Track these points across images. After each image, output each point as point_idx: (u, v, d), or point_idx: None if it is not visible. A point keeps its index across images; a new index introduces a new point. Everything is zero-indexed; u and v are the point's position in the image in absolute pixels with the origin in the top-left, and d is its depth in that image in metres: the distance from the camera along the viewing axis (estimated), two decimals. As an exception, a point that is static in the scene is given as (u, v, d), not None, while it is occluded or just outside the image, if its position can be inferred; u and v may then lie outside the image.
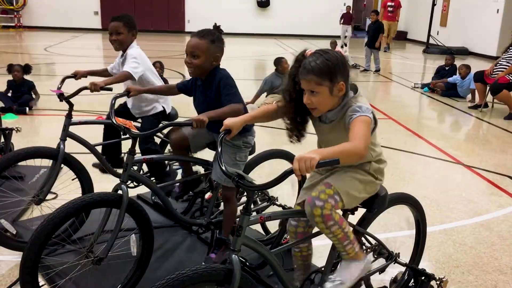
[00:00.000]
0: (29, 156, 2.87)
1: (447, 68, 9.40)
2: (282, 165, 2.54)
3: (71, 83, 3.37)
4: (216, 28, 2.63)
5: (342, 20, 16.80)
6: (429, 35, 15.86)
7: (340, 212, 2.01)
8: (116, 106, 2.78)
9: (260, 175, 3.29)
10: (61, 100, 2.99)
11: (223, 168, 1.75)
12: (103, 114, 5.86)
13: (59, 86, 3.13)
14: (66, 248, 2.84)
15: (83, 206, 2.25)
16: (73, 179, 3.08)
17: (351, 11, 17.16)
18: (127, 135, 2.44)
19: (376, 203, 2.08)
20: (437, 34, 16.66)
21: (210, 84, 2.57)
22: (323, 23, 19.63)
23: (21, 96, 6.40)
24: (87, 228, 2.95)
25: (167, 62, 11.96)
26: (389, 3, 15.98)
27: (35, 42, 15.17)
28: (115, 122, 2.35)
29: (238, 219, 1.85)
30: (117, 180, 2.43)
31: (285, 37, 19.10)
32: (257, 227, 3.21)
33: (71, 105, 3.03)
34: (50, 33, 17.75)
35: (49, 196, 3.62)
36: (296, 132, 2.02)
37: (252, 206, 2.72)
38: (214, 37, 2.51)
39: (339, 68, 1.87)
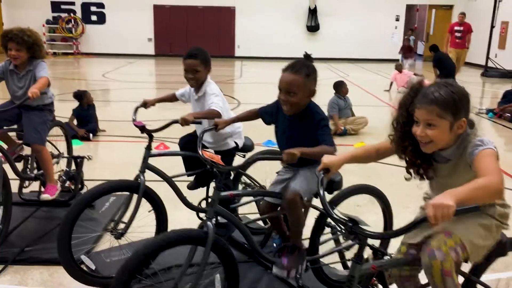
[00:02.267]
0: (112, 190, 2.85)
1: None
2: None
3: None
4: (307, 57, 2.54)
5: (402, 52, 15.42)
6: (487, 57, 15.30)
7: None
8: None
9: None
10: (142, 132, 2.96)
11: (331, 212, 1.62)
12: (164, 141, 5.92)
13: (134, 117, 3.11)
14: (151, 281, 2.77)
15: (169, 243, 2.16)
16: (149, 211, 3.02)
17: (411, 41, 15.79)
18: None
19: (496, 251, 1.88)
20: (495, 56, 16.06)
21: (304, 119, 2.46)
22: (373, 47, 19.40)
23: (87, 122, 6.53)
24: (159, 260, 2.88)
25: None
26: (456, 28, 13.63)
27: (93, 68, 15.73)
28: (202, 155, 2.27)
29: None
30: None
31: (335, 61, 18.96)
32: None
33: (151, 137, 3.00)
34: (106, 59, 18.41)
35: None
36: (421, 171, 1.86)
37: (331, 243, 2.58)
38: (309, 70, 2.41)
39: (464, 104, 1.71)
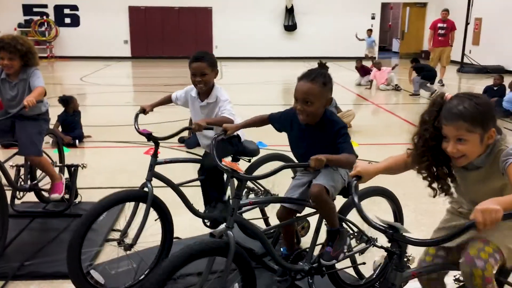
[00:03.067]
0: (121, 201, 2.77)
1: (495, 88, 9.13)
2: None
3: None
4: (322, 65, 2.50)
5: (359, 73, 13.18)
6: (463, 54, 15.60)
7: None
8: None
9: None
10: (149, 140, 2.88)
11: (370, 219, 1.59)
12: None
13: (136, 126, 3.05)
14: None
15: (190, 255, 2.10)
16: (155, 220, 2.95)
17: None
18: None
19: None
20: (469, 53, 16.40)
21: (323, 128, 2.43)
22: (350, 45, 19.56)
23: (73, 128, 6.37)
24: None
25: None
26: (440, 25, 12.77)
27: (70, 72, 15.40)
28: (221, 164, 2.21)
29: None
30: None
31: (313, 60, 18.98)
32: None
33: (157, 145, 2.91)
34: (83, 62, 18.05)
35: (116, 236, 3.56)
36: (442, 184, 1.85)
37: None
38: (325, 79, 2.37)
39: (490, 114, 1.71)
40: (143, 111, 3.19)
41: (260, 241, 2.41)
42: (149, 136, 2.88)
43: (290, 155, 2.81)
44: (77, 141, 6.32)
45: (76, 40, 19.18)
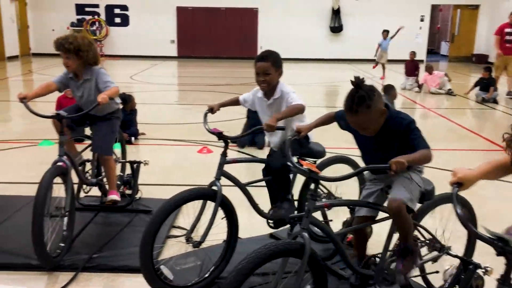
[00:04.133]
0: (192, 198, 2.79)
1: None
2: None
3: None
4: (358, 85, 2.39)
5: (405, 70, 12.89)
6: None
7: None
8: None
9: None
10: (219, 139, 2.90)
11: (476, 230, 1.54)
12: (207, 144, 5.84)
13: (206, 126, 3.06)
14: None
15: (269, 255, 2.10)
16: (222, 218, 2.97)
17: (415, 56, 13.25)
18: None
19: None
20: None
21: (389, 130, 2.37)
22: (398, 47, 19.17)
23: (129, 126, 6.52)
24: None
25: (238, 88, 12.08)
26: (507, 30, 11.15)
27: (119, 70, 15.79)
28: (297, 165, 2.20)
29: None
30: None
31: (359, 62, 18.79)
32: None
33: (227, 144, 2.93)
34: (130, 61, 18.49)
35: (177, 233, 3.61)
36: None
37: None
38: (369, 101, 2.26)
39: None
40: (211, 110, 3.22)
41: (334, 244, 2.38)
42: (219, 135, 2.90)
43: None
44: (132, 138, 6.47)
45: (125, 39, 19.68)
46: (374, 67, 14.93)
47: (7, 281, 3.02)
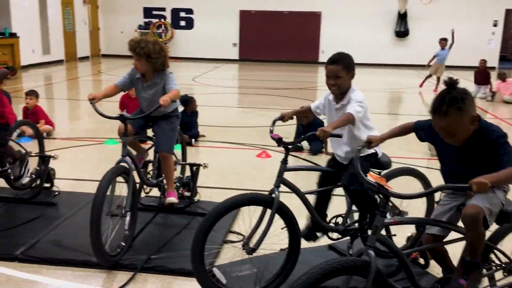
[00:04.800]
0: (246, 203, 2.74)
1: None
2: None
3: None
4: (451, 85, 2.23)
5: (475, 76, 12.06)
6: None
7: None
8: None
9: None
10: (279, 145, 2.82)
11: None
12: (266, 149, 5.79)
13: (271, 129, 2.98)
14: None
15: (331, 272, 1.99)
16: (282, 228, 2.89)
17: (485, 64, 12.05)
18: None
19: None
20: None
21: (475, 143, 2.21)
22: (467, 53, 18.31)
23: (190, 128, 6.59)
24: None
25: (298, 92, 11.96)
26: None
27: (182, 72, 16.13)
28: (367, 178, 2.08)
29: None
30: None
31: (425, 68, 18.10)
32: None
33: (287, 150, 2.85)
34: (194, 63, 18.87)
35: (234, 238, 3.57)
36: None
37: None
38: (459, 103, 2.13)
39: None
40: (282, 118, 3.14)
41: (400, 262, 2.23)
42: (279, 141, 2.82)
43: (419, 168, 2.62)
44: (193, 140, 6.54)
45: (189, 42, 20.12)
46: (421, 85, 12.67)
47: (70, 277, 3.10)
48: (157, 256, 3.29)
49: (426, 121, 2.46)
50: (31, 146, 5.38)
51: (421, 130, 2.44)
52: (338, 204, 3.33)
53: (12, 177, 4.09)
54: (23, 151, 4.36)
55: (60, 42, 17.41)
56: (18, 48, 14.65)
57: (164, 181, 3.94)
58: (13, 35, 14.58)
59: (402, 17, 19.01)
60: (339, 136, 2.76)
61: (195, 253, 2.68)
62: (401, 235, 3.14)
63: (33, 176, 4.32)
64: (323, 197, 3.20)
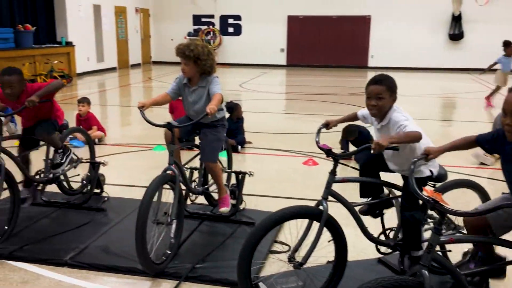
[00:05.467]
0: (295, 216, 2.66)
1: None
2: None
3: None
4: None
5: None
6: None
7: None
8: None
9: None
10: (328, 156, 2.73)
11: None
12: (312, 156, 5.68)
13: (317, 139, 2.90)
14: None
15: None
16: (329, 241, 2.79)
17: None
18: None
19: None
20: None
21: None
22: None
23: (236, 134, 6.59)
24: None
25: (346, 98, 11.72)
26: None
27: (230, 78, 16.27)
28: (421, 193, 1.95)
29: None
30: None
31: (483, 73, 17.34)
32: None
33: (336, 161, 2.75)
34: (241, 69, 19.00)
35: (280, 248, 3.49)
36: None
37: None
38: None
39: None
40: (326, 125, 3.05)
41: (456, 281, 2.08)
42: (328, 152, 2.72)
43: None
44: (239, 147, 6.52)
45: (236, 48, 20.29)
46: (489, 102, 10.44)
47: (116, 284, 3.13)
48: (202, 266, 3.27)
49: (488, 134, 2.35)
50: (83, 152, 5.53)
51: (485, 143, 2.31)
52: (389, 217, 3.19)
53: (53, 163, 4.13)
54: (75, 157, 4.47)
55: (113, 50, 18.00)
56: (73, 56, 15.26)
57: (211, 188, 3.93)
58: (69, 44, 15.20)
59: (457, 19, 18.33)
60: (396, 149, 2.62)
61: (242, 267, 2.64)
62: (456, 249, 2.96)
63: (84, 181, 4.43)
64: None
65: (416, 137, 2.61)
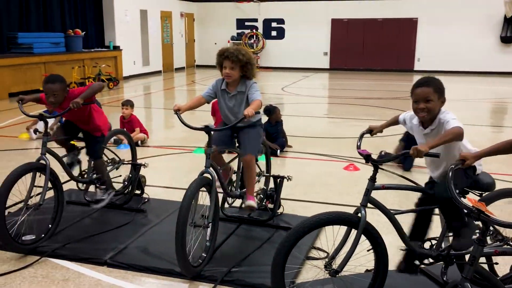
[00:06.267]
0: (331, 222, 2.60)
1: None
2: None
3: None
4: None
5: None
6: None
7: None
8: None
9: None
10: (367, 162, 2.65)
11: None
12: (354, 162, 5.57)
13: (359, 144, 2.83)
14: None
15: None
16: (368, 250, 2.71)
17: None
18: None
19: None
20: None
21: None
22: None
23: (276, 138, 6.56)
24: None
25: (391, 102, 11.44)
26: None
27: (272, 82, 16.27)
28: (462, 201, 1.86)
29: None
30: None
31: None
32: None
33: (376, 168, 2.67)
34: (284, 73, 18.98)
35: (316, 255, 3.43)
36: None
37: None
38: None
39: None
40: (370, 131, 2.97)
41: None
42: (367, 158, 2.64)
43: None
44: (278, 150, 6.48)
45: (279, 52, 20.29)
46: None
47: (153, 285, 3.16)
48: (238, 269, 3.25)
49: None
50: (125, 154, 5.65)
51: None
52: (432, 226, 3.07)
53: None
54: (117, 159, 4.57)
55: (158, 54, 18.40)
56: (120, 60, 15.70)
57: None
58: (117, 48, 15.66)
59: (509, 22, 17.60)
60: (437, 156, 2.50)
61: (276, 271, 2.61)
62: (503, 261, 2.81)
63: (125, 182, 4.51)
64: (422, 219, 2.96)
65: (455, 134, 2.48)
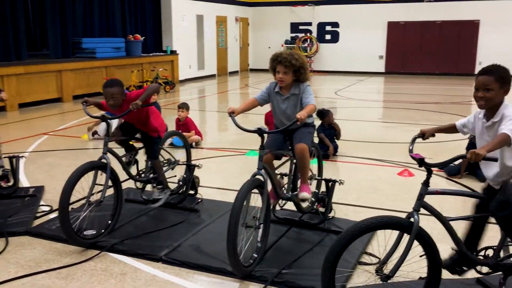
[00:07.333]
0: (382, 226, 2.57)
1: None
2: None
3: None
4: None
5: None
6: None
7: None
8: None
9: None
10: (420, 166, 2.60)
11: None
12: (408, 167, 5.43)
13: (411, 148, 2.78)
14: None
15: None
16: (421, 256, 2.66)
17: None
18: None
19: None
20: None
21: None
22: None
23: (330, 141, 6.53)
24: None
25: (449, 107, 11.05)
26: None
27: (325, 85, 16.17)
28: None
29: None
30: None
31: None
32: None
33: (430, 172, 2.61)
34: (337, 77, 18.81)
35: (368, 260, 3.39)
36: None
37: None
38: None
39: None
40: (422, 135, 2.92)
41: None
42: (421, 162, 2.59)
43: None
44: (330, 154, 6.44)
45: (333, 55, 20.14)
46: None
47: (205, 282, 3.24)
48: (288, 271, 3.27)
49: None
50: (180, 155, 5.82)
51: None
52: (490, 235, 2.97)
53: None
54: (173, 159, 4.72)
55: (213, 58, 18.77)
56: (177, 64, 16.15)
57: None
58: (173, 53, 16.12)
59: None
60: (495, 159, 2.41)
61: (326, 275, 2.60)
62: None
63: (180, 183, 4.65)
64: (476, 226, 2.87)
65: (504, 142, 2.38)
